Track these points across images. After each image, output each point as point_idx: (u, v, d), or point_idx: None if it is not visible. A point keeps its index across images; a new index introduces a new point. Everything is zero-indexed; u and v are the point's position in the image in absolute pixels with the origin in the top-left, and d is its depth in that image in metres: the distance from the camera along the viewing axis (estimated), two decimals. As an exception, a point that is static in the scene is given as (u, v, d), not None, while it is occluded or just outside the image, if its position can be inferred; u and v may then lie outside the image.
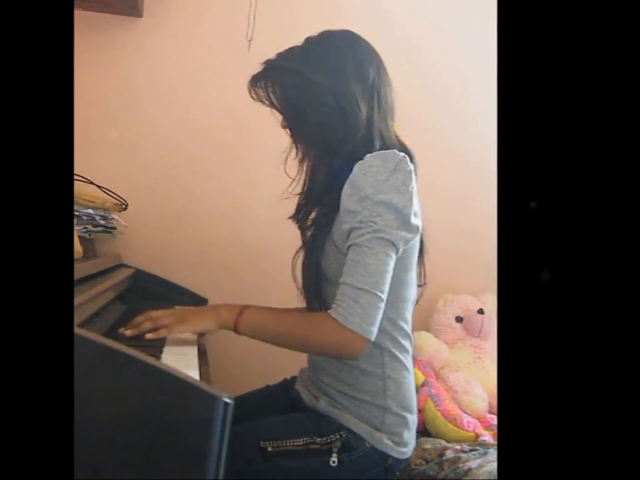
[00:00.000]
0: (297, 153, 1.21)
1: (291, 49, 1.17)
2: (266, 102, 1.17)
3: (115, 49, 1.97)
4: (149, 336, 1.06)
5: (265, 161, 2.03)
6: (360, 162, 1.05)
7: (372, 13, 2.04)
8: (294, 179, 1.24)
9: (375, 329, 0.99)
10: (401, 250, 1.03)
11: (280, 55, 1.17)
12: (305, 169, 1.23)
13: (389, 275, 1.01)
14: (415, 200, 1.06)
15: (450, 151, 2.19)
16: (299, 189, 1.25)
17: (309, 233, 1.20)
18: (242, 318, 1.06)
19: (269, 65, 1.17)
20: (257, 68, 1.18)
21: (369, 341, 0.99)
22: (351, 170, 1.06)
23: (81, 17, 1.83)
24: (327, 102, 1.09)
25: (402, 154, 1.05)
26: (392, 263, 1.02)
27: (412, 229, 1.05)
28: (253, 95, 1.18)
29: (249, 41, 1.94)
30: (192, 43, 2.02)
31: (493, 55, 0.80)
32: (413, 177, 1.05)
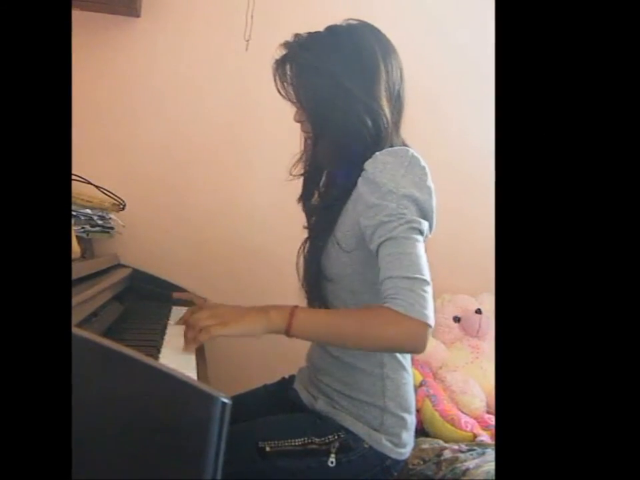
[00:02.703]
0: (306, 148, 1.20)
1: (315, 37, 1.13)
2: (296, 103, 1.14)
3: (112, 48, 1.97)
4: (183, 349, 1.01)
5: (264, 162, 2.03)
6: (371, 160, 1.04)
7: (370, 14, 2.04)
8: (293, 175, 1.23)
9: (433, 314, 0.95)
10: None
11: (306, 46, 1.12)
12: (306, 152, 1.22)
13: (426, 262, 0.99)
14: (434, 196, 1.05)
15: (447, 151, 2.20)
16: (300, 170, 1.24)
17: (312, 219, 1.20)
18: (295, 319, 0.98)
19: (295, 54, 1.12)
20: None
21: (431, 328, 0.94)
22: (356, 169, 1.06)
23: (78, 17, 1.83)
24: (361, 117, 1.07)
25: (412, 151, 1.05)
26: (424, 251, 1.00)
27: (431, 222, 1.05)
28: (282, 93, 1.14)
29: (247, 40, 1.94)
30: (190, 42, 2.02)
31: (490, 61, 0.80)
32: (429, 173, 1.05)
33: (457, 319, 2.08)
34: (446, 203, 2.15)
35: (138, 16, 1.95)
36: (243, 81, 1.98)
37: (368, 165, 1.04)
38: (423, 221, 1.00)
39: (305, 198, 1.23)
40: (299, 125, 1.17)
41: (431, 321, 0.93)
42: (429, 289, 0.96)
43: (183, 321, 1.10)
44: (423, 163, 1.05)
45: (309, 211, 1.23)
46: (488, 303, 2.11)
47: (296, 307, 1.00)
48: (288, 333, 0.98)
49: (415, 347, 0.96)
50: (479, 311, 2.05)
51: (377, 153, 1.04)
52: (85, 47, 1.90)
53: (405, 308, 0.92)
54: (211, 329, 0.96)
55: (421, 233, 1.00)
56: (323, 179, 1.22)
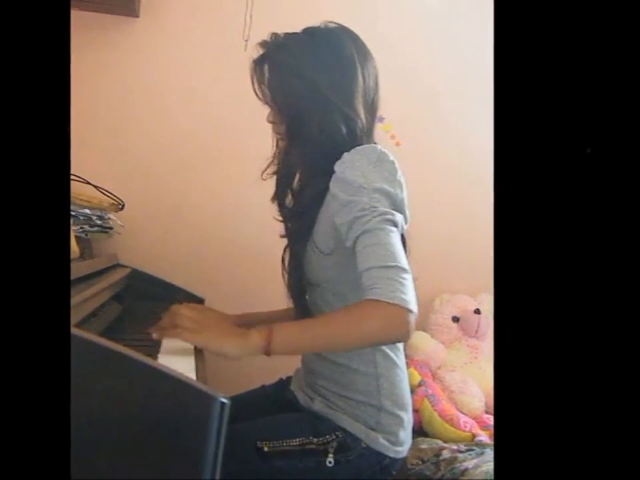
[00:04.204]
0: (278, 149, 1.20)
1: (293, 39, 1.13)
2: (271, 105, 1.15)
3: (111, 49, 1.97)
4: (154, 335, 1.02)
5: (261, 162, 2.03)
6: (340, 161, 1.05)
7: (368, 15, 2.04)
8: (264, 179, 1.23)
9: (414, 300, 0.92)
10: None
11: (284, 47, 1.12)
12: (279, 154, 1.22)
13: (403, 252, 0.98)
14: (405, 190, 1.06)
15: (446, 151, 2.20)
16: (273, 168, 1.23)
17: (289, 225, 1.20)
18: (273, 338, 0.94)
19: (273, 54, 1.13)
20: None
21: (414, 314, 0.92)
22: (328, 174, 1.07)
23: (77, 17, 1.83)
24: (336, 124, 1.08)
25: (380, 147, 1.06)
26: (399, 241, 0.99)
27: (405, 215, 1.05)
28: (258, 94, 1.15)
29: (246, 40, 1.94)
30: (188, 42, 2.02)
31: (489, 60, 0.80)
32: (398, 168, 1.05)
33: (455, 319, 2.08)
34: (444, 202, 2.18)
35: (137, 16, 1.95)
36: (241, 80, 1.98)
37: (337, 165, 1.05)
38: (396, 213, 1.00)
39: (278, 198, 1.23)
40: None
41: (413, 306, 0.91)
42: (408, 276, 0.94)
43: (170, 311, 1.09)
44: (391, 157, 1.05)
45: (284, 215, 1.23)
46: (487, 303, 2.11)
47: (273, 326, 0.96)
48: (267, 353, 0.95)
49: (401, 334, 0.95)
50: (477, 311, 2.05)
51: (345, 154, 1.05)
52: (83, 47, 1.90)
53: (385, 296, 0.90)
54: (185, 334, 0.96)
55: (395, 224, 0.99)
56: (296, 180, 1.22)
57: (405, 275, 0.93)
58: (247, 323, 1.42)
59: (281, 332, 0.96)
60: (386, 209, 0.99)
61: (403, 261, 0.95)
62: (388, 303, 0.90)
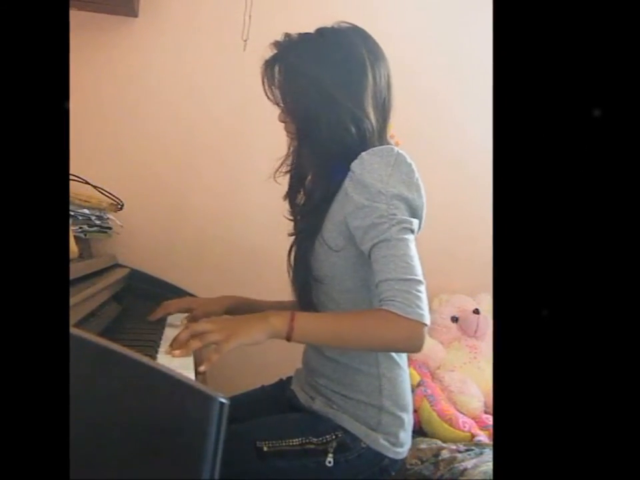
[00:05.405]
0: (291, 149, 1.20)
1: (305, 40, 1.13)
2: (281, 106, 1.15)
3: (110, 49, 1.97)
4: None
5: (261, 162, 2.03)
6: (357, 161, 1.04)
7: (367, 13, 2.04)
8: (281, 170, 1.23)
9: (428, 313, 0.97)
10: None
11: (295, 48, 1.12)
12: (291, 153, 1.22)
13: (419, 260, 1.01)
14: (423, 192, 1.06)
15: (445, 151, 2.20)
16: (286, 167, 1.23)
17: (299, 220, 1.20)
18: (295, 324, 0.98)
19: (284, 56, 1.13)
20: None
21: (427, 326, 0.97)
22: (340, 172, 1.07)
23: (76, 17, 1.83)
24: (346, 124, 1.08)
25: (397, 149, 1.06)
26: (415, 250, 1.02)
27: (421, 219, 1.07)
28: (269, 95, 1.15)
29: (245, 40, 1.94)
30: (187, 42, 2.02)
31: (488, 56, 0.80)
32: (415, 170, 1.06)
33: (454, 319, 2.08)
34: (444, 202, 2.18)
35: (136, 16, 1.95)
36: (241, 80, 1.98)
37: (354, 165, 1.05)
38: (413, 219, 1.02)
39: (290, 196, 1.23)
40: None
41: (427, 320, 0.96)
42: (423, 288, 0.98)
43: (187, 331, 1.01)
44: (409, 160, 1.06)
45: (294, 212, 1.23)
46: (486, 303, 2.11)
47: (294, 312, 1.00)
48: (289, 338, 0.98)
49: (414, 346, 0.99)
50: (476, 311, 2.05)
51: (363, 153, 1.04)
52: (82, 47, 1.90)
53: (403, 310, 0.95)
54: (222, 346, 0.95)
55: (412, 231, 1.01)
56: (309, 177, 1.22)
57: (421, 288, 0.98)
58: (234, 309, 1.41)
59: (301, 319, 0.99)
60: (404, 217, 1.00)
61: (419, 272, 0.99)
62: (405, 317, 0.95)
